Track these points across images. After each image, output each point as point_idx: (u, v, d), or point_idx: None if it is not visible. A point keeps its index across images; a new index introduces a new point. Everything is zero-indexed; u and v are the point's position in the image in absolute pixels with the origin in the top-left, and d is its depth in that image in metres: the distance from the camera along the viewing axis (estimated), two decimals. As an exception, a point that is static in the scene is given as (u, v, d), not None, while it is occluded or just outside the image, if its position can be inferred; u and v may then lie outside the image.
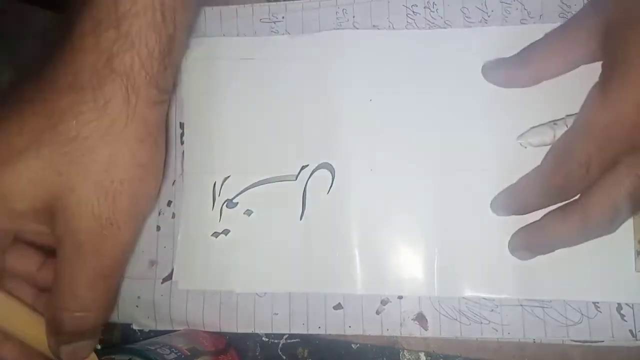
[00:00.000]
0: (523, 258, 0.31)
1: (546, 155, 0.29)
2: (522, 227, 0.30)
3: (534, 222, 0.30)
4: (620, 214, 0.26)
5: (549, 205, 0.29)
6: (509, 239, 0.31)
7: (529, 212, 0.30)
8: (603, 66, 0.27)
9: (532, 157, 0.30)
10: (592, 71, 0.28)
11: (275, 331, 0.34)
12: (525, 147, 0.31)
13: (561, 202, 0.28)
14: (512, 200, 0.31)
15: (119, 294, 0.27)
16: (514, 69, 0.31)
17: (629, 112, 0.25)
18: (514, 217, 0.31)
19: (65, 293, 0.24)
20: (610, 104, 0.25)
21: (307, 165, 0.34)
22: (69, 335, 0.25)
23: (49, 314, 0.25)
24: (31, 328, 0.25)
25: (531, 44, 0.30)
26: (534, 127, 0.31)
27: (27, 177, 0.23)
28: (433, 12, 0.34)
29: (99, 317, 0.26)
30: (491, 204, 0.32)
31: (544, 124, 0.31)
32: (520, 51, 0.31)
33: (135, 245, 0.25)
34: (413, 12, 0.34)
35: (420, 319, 0.33)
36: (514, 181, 0.31)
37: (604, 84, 0.26)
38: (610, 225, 0.27)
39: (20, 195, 0.23)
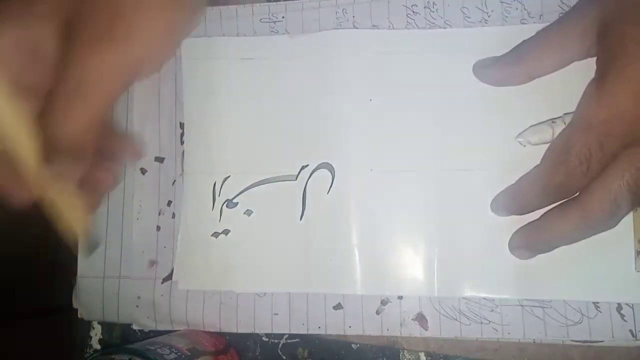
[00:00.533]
0: (523, 257, 0.31)
1: (545, 154, 0.29)
2: (522, 227, 0.30)
3: (533, 220, 0.30)
4: (620, 208, 0.26)
5: (549, 205, 0.29)
6: (509, 238, 0.31)
7: (529, 212, 0.30)
8: (598, 62, 0.27)
9: (532, 157, 0.30)
10: (588, 68, 0.28)
11: (275, 331, 0.34)
12: (524, 146, 0.31)
13: (561, 200, 0.28)
14: (512, 201, 0.31)
15: (100, 113, 0.25)
16: (507, 67, 0.31)
17: (627, 106, 0.25)
18: (513, 216, 0.31)
19: (55, 96, 0.24)
20: (608, 99, 0.26)
21: (307, 165, 0.34)
22: (58, 147, 0.25)
23: (41, 128, 0.25)
24: (24, 145, 0.25)
25: (524, 41, 0.30)
26: (532, 126, 0.31)
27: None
28: (433, 12, 0.34)
29: (82, 131, 0.25)
30: (491, 204, 0.32)
31: (542, 122, 0.31)
32: (513, 49, 0.31)
33: (139, 65, 0.25)
34: (413, 12, 0.34)
35: (420, 319, 0.33)
36: (514, 181, 0.31)
37: (600, 79, 0.26)
38: (610, 220, 0.27)
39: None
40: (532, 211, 0.30)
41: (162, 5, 0.26)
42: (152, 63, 0.29)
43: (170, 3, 0.27)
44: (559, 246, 0.30)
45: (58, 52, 0.25)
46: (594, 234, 0.28)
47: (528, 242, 0.30)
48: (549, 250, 0.30)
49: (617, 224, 0.27)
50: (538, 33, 0.30)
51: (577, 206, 0.27)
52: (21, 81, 0.26)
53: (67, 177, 0.26)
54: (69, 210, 0.26)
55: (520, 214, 0.30)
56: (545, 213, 0.29)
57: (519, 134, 0.31)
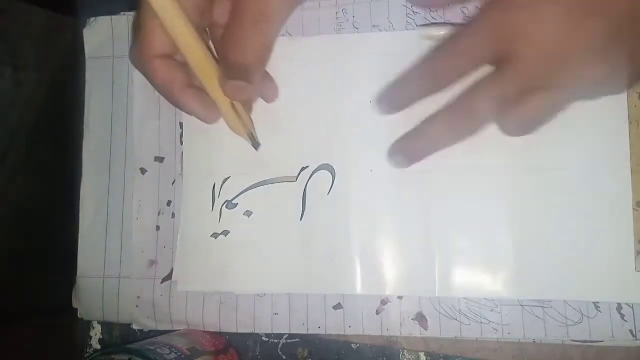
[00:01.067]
0: (401, 165, 0.32)
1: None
2: (401, 136, 0.32)
3: (412, 129, 0.31)
4: (480, 116, 0.29)
5: (425, 96, 0.30)
6: (508, 239, 0.31)
7: (408, 105, 0.31)
8: None
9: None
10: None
11: (275, 331, 0.34)
12: (424, 39, 0.32)
13: (436, 92, 0.30)
14: (394, 91, 0.31)
15: (268, 46, 0.31)
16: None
17: (509, 17, 0.27)
18: (509, 215, 0.31)
19: (233, 29, 0.29)
20: (494, 6, 0.27)
21: (308, 166, 0.34)
22: (234, 72, 0.30)
23: (220, 52, 0.31)
24: (207, 66, 0.30)
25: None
26: (436, 23, 0.33)
27: None
28: (433, 12, 0.34)
29: (251, 56, 0.30)
30: (378, 99, 0.32)
31: (446, 23, 0.32)
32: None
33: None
34: (413, 12, 0.34)
35: (420, 319, 0.33)
36: (514, 180, 0.31)
37: None
38: (472, 125, 0.29)
39: None
40: (411, 104, 0.31)
41: None
42: None
43: None
44: (433, 151, 0.31)
45: None
46: (463, 137, 0.30)
47: (406, 148, 0.32)
48: (424, 156, 0.31)
49: (474, 132, 0.29)
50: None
51: (446, 108, 0.29)
52: (204, 14, 0.31)
53: (243, 95, 0.31)
54: (240, 120, 0.32)
55: (400, 108, 0.31)
56: (423, 121, 0.31)
57: (420, 26, 0.33)
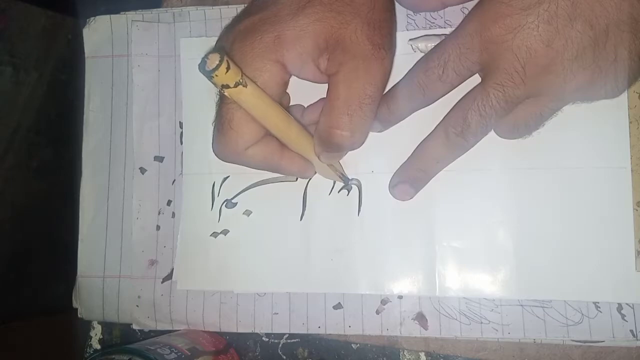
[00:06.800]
0: (404, 196, 0.32)
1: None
2: (401, 166, 0.32)
3: (409, 156, 0.32)
4: (470, 127, 0.28)
5: (415, 110, 0.31)
6: (508, 239, 0.31)
7: (398, 121, 0.32)
8: None
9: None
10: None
11: (275, 331, 0.34)
12: (415, 51, 0.33)
13: (425, 105, 0.31)
14: (384, 107, 0.31)
15: (370, 124, 0.30)
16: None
17: (489, 27, 0.27)
18: (510, 214, 0.31)
19: (339, 111, 0.28)
20: (476, 16, 0.28)
21: (308, 165, 0.34)
22: (331, 148, 0.30)
23: (320, 131, 0.30)
24: (304, 143, 0.31)
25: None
26: (426, 35, 0.33)
27: (314, 18, 0.28)
28: (433, 12, 0.34)
29: (358, 137, 0.30)
30: None
31: (435, 35, 0.32)
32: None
33: (389, 76, 0.30)
34: (413, 12, 0.34)
35: (420, 318, 0.33)
36: (514, 180, 0.31)
37: (477, 5, 0.29)
38: (464, 140, 0.29)
39: (310, 33, 0.28)
40: (402, 118, 0.31)
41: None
42: None
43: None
44: (434, 172, 0.31)
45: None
46: (458, 154, 0.30)
47: (406, 174, 0.32)
48: (427, 179, 0.31)
49: (472, 145, 0.30)
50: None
51: (440, 125, 0.30)
52: (284, 88, 0.30)
53: (339, 159, 0.33)
54: (334, 168, 0.33)
55: (391, 123, 0.32)
56: (417, 146, 0.31)
57: (412, 39, 0.33)
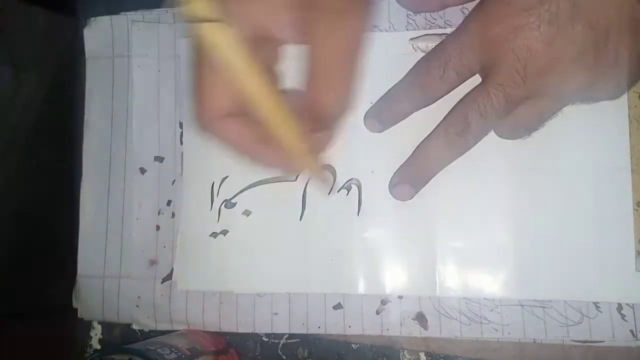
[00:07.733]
0: (404, 196, 0.32)
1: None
2: (401, 165, 0.32)
3: (409, 156, 0.32)
4: (470, 127, 0.28)
5: (414, 110, 0.31)
6: (508, 239, 0.31)
7: (398, 121, 0.31)
8: None
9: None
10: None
11: (275, 331, 0.34)
12: (415, 51, 0.33)
13: (425, 105, 0.30)
14: (384, 107, 0.31)
15: (355, 85, 0.27)
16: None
17: (490, 27, 0.27)
18: (506, 214, 0.31)
19: (317, 74, 0.26)
20: (477, 16, 0.28)
21: (307, 165, 0.34)
22: (317, 123, 0.27)
23: (302, 104, 0.27)
24: (287, 120, 0.26)
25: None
26: (427, 35, 0.33)
27: None
28: (433, 12, 0.34)
29: (343, 100, 0.27)
30: (364, 118, 0.33)
31: (436, 34, 0.32)
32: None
33: (368, 29, 0.27)
34: (413, 12, 0.34)
35: (420, 318, 0.33)
36: (514, 180, 0.31)
37: (478, 4, 0.28)
38: (464, 140, 0.29)
39: None
40: (402, 118, 0.31)
41: None
42: None
43: None
44: (434, 172, 0.31)
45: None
46: (458, 154, 0.30)
47: (406, 174, 0.32)
48: (427, 179, 0.31)
49: (472, 145, 0.30)
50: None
51: (440, 126, 0.30)
52: (273, 63, 0.29)
53: (329, 145, 0.30)
54: (318, 164, 0.31)
55: (391, 123, 0.32)
56: (417, 146, 0.31)
57: (412, 38, 0.33)
